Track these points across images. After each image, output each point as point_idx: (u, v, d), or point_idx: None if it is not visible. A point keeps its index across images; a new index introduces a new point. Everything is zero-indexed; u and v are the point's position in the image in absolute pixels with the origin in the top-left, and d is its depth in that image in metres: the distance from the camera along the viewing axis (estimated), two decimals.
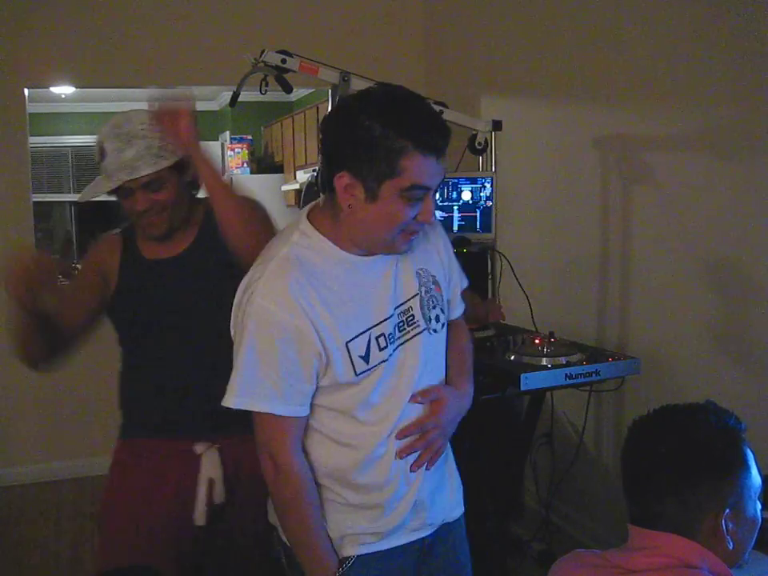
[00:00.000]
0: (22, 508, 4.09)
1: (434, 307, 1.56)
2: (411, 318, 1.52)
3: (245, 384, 1.43)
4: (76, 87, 5.32)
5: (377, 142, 1.33)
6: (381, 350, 1.47)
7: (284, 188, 7.10)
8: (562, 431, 3.38)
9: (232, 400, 1.44)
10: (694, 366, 2.77)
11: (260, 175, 7.33)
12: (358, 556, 1.55)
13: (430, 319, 1.55)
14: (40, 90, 4.94)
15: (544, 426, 3.13)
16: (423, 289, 1.55)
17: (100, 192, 1.84)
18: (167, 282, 1.90)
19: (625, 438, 1.35)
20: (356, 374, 1.46)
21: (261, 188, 7.14)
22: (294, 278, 1.41)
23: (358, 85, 3.32)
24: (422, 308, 1.54)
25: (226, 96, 6.83)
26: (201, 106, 8.58)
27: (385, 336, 1.48)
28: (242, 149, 7.37)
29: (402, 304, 1.52)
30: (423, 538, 1.62)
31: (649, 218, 2.97)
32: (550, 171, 3.57)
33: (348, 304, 1.44)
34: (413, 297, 1.53)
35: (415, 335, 1.53)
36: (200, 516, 1.87)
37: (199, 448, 1.89)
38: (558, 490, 3.18)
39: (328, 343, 1.42)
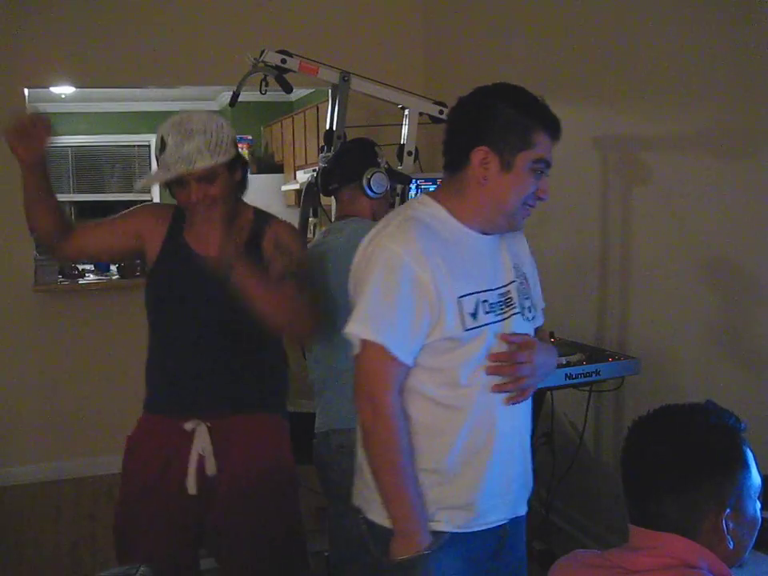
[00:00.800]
0: (22, 508, 4.09)
1: (527, 298, 1.69)
2: (510, 299, 1.65)
3: (367, 315, 1.53)
4: (76, 87, 5.32)
5: (515, 119, 1.55)
6: (486, 313, 1.58)
7: (284, 188, 7.11)
8: (562, 431, 3.38)
9: (354, 327, 1.53)
10: (694, 365, 2.77)
11: (260, 175, 7.33)
12: (450, 533, 1.59)
13: (524, 307, 1.67)
14: (40, 89, 4.94)
15: (544, 426, 3.13)
16: (518, 280, 1.68)
17: (157, 181, 2.01)
18: (205, 276, 1.95)
19: (625, 437, 1.35)
20: (465, 329, 1.54)
21: (261, 188, 7.15)
22: (420, 231, 1.56)
23: (358, 85, 3.33)
24: (518, 294, 1.66)
25: (226, 96, 6.82)
26: (201, 106, 8.56)
27: (489, 303, 1.59)
28: (242, 149, 7.33)
29: (504, 286, 1.65)
30: (504, 525, 1.67)
31: (649, 218, 2.97)
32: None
33: (462, 265, 1.58)
34: (511, 282, 1.67)
35: (512, 315, 1.64)
36: (191, 486, 2.03)
37: (189, 425, 2.04)
38: (558, 490, 3.18)
39: (444, 294, 1.53)
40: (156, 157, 1.99)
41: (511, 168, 1.56)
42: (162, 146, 1.95)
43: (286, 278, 1.99)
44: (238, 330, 2.02)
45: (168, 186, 2.00)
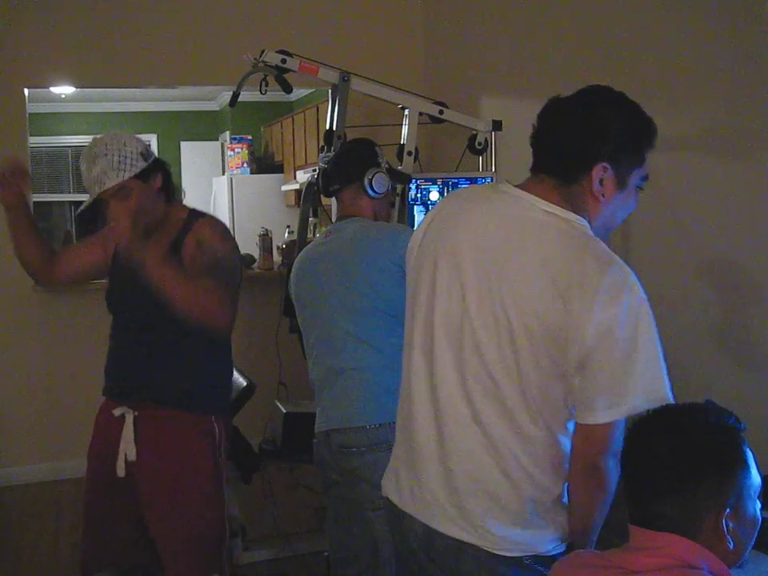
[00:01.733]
0: (22, 508, 4.09)
1: None
2: None
3: (664, 376, 1.39)
4: (76, 87, 5.32)
5: (632, 134, 1.51)
6: None
7: (284, 188, 7.10)
8: None
9: (667, 394, 1.37)
10: (694, 366, 2.77)
11: (260, 175, 7.32)
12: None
13: None
14: (40, 89, 4.94)
15: None
16: None
17: (85, 206, 2.17)
18: (137, 276, 2.10)
19: (625, 438, 1.35)
20: None
21: (261, 188, 7.15)
22: None
23: (358, 85, 3.33)
24: None
25: (226, 96, 6.82)
26: (201, 106, 8.58)
27: None
28: (241, 149, 7.36)
29: None
30: None
31: (649, 218, 2.97)
32: None
33: None
34: None
35: None
36: (120, 469, 2.22)
37: (118, 411, 2.23)
38: None
39: None
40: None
41: (625, 185, 1.51)
42: (81, 173, 2.15)
43: (204, 272, 2.12)
44: (155, 319, 2.19)
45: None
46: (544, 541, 1.48)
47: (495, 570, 1.48)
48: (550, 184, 1.49)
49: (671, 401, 1.36)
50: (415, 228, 1.75)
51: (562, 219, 1.46)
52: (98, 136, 2.18)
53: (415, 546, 1.59)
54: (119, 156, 2.11)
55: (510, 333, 1.41)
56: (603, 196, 1.48)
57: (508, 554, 1.47)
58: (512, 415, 1.43)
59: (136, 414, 2.22)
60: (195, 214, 2.31)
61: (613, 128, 1.48)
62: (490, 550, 1.47)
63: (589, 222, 1.49)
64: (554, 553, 1.49)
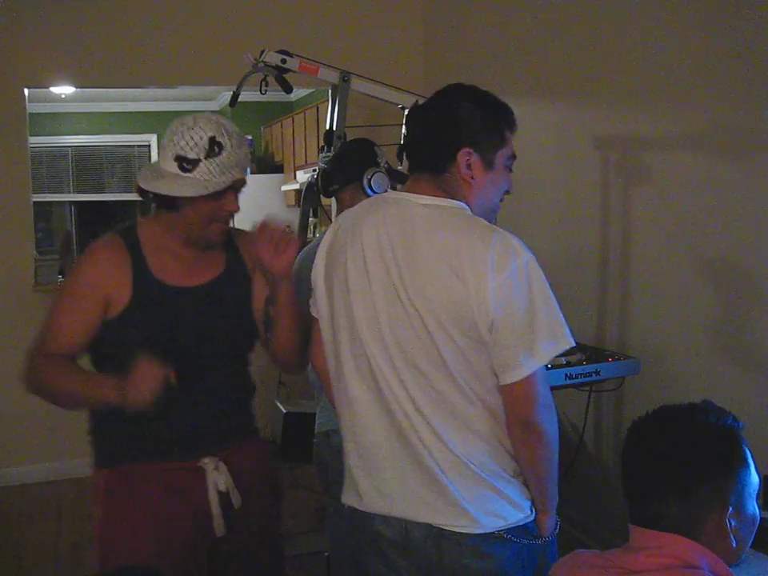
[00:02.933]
0: (22, 508, 4.09)
1: None
2: None
3: (564, 323, 1.52)
4: (76, 87, 5.32)
5: (488, 118, 1.61)
6: None
7: (284, 188, 7.11)
8: (562, 431, 3.37)
9: (568, 337, 1.52)
10: (694, 365, 2.77)
11: (260, 175, 7.33)
12: None
13: None
14: (40, 89, 4.94)
15: None
16: None
17: (219, 188, 1.75)
18: (187, 311, 1.82)
19: (624, 439, 1.35)
20: None
21: (261, 188, 7.14)
22: None
23: (358, 85, 3.33)
24: None
25: (226, 96, 6.82)
26: (201, 106, 8.56)
27: None
28: None
29: None
30: None
31: (649, 218, 2.97)
32: (550, 171, 3.57)
33: None
34: None
35: None
36: (218, 528, 1.84)
37: (205, 462, 1.84)
38: (558, 490, 3.18)
39: None
40: (197, 159, 1.75)
41: (492, 166, 1.61)
42: (217, 147, 1.75)
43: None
44: (227, 353, 1.89)
45: (169, 198, 1.77)
46: (513, 511, 1.57)
47: (477, 550, 1.54)
48: (425, 179, 1.62)
49: (573, 342, 1.53)
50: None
51: (441, 207, 1.57)
52: (203, 112, 1.91)
53: (386, 547, 1.61)
54: (240, 156, 1.80)
55: (422, 321, 1.51)
56: (473, 179, 1.59)
57: (485, 531, 1.53)
58: (445, 398, 1.52)
59: (221, 458, 1.85)
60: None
61: (466, 115, 1.59)
62: (469, 531, 1.53)
63: (468, 206, 1.60)
64: (525, 522, 1.58)
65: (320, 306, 1.70)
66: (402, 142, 3.41)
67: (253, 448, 1.95)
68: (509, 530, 1.55)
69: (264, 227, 1.74)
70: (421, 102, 3.48)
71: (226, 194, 1.77)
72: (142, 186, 1.78)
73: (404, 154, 1.68)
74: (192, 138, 1.76)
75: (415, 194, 1.61)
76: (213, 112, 2.04)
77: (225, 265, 1.89)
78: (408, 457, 1.56)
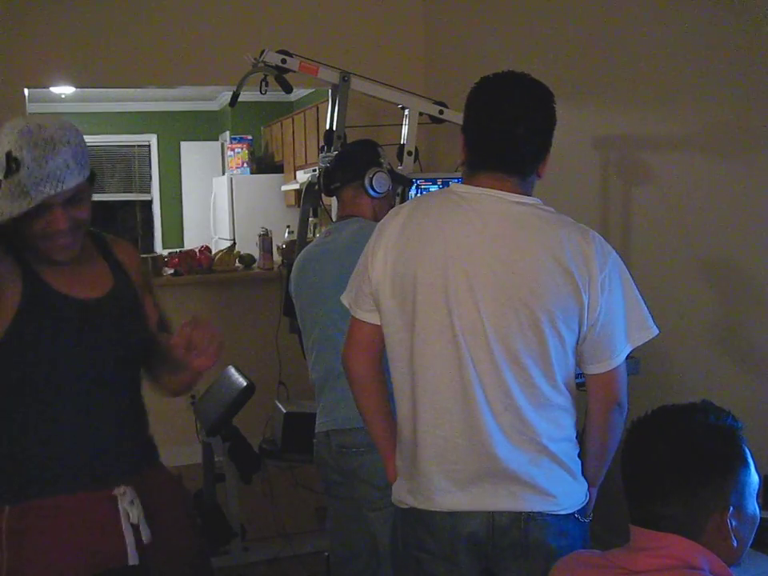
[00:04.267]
0: None
1: None
2: None
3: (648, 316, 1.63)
4: (76, 87, 5.32)
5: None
6: None
7: (284, 188, 7.10)
8: None
9: (654, 327, 1.64)
10: (694, 365, 2.77)
11: (260, 175, 7.32)
12: None
13: None
14: (40, 89, 4.94)
15: None
16: None
17: (15, 213, 1.50)
18: (91, 326, 1.65)
19: (623, 440, 1.35)
20: None
21: (261, 188, 7.15)
22: None
23: (358, 85, 3.33)
24: None
25: (226, 96, 6.82)
26: (201, 106, 8.55)
27: None
28: (242, 149, 7.36)
29: None
30: None
31: (649, 218, 2.97)
32: (550, 171, 3.56)
33: None
34: None
35: None
36: (133, 560, 1.65)
37: (119, 490, 1.66)
38: None
39: None
40: None
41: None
42: (15, 164, 1.50)
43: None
44: (131, 376, 1.75)
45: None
46: (582, 492, 1.67)
47: (559, 529, 1.61)
48: (513, 180, 1.63)
49: (657, 331, 1.63)
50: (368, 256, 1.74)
51: (534, 205, 1.61)
52: (29, 117, 1.59)
53: (469, 543, 1.62)
54: (82, 146, 1.56)
55: (529, 316, 1.53)
56: (540, 177, 1.69)
57: (567, 512, 1.62)
58: (541, 392, 1.59)
59: (131, 487, 1.68)
60: (99, 235, 1.77)
61: (555, 118, 1.66)
62: (555, 512, 1.60)
63: None
64: (586, 502, 1.68)
65: (386, 308, 1.66)
66: (403, 141, 3.41)
67: (162, 478, 1.80)
68: (579, 511, 1.65)
69: (182, 331, 1.55)
70: (421, 101, 3.50)
71: (52, 210, 1.53)
72: None
73: (472, 147, 1.67)
74: None
75: (502, 192, 1.60)
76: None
77: (113, 278, 1.73)
78: (496, 449, 1.58)
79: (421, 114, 3.43)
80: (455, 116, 3.43)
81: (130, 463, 1.71)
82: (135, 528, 1.65)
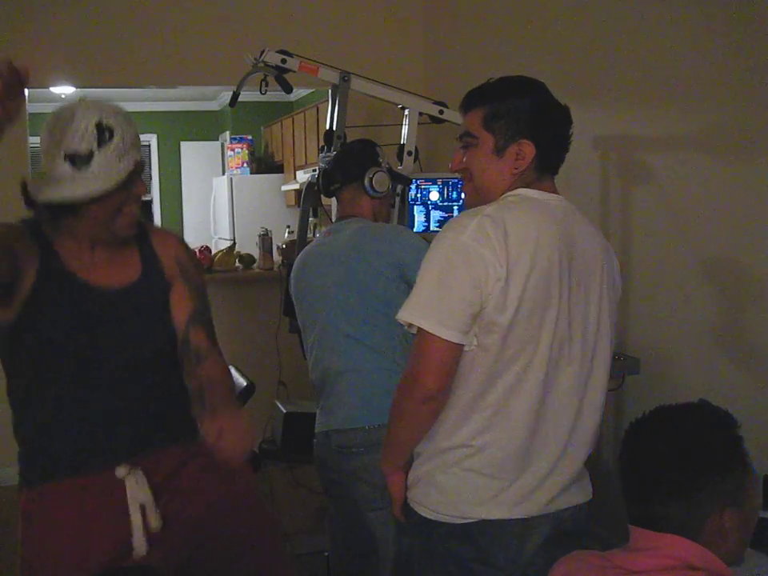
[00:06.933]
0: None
1: None
2: None
3: None
4: (76, 87, 5.32)
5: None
6: None
7: (284, 188, 7.10)
8: None
9: None
10: (694, 365, 2.77)
11: (260, 175, 7.32)
12: None
13: None
14: (40, 89, 4.93)
15: None
16: None
17: (123, 175, 1.54)
18: (113, 317, 1.65)
19: (622, 440, 1.35)
20: None
21: (261, 188, 7.14)
22: None
23: (358, 85, 3.33)
24: None
25: (226, 96, 6.82)
26: (201, 106, 8.54)
27: None
28: (242, 149, 7.36)
29: None
30: None
31: (649, 218, 2.97)
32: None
33: None
34: None
35: None
36: (140, 546, 1.62)
37: (121, 472, 1.64)
38: None
39: None
40: (91, 151, 1.54)
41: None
42: (108, 132, 1.53)
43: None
44: (152, 357, 1.71)
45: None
46: None
47: (589, 516, 1.73)
48: (547, 180, 1.82)
49: None
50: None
51: (570, 204, 1.80)
52: (85, 99, 1.60)
53: (538, 542, 1.60)
54: (133, 135, 1.56)
55: (608, 313, 1.69)
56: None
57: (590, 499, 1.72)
58: (605, 389, 1.70)
59: (140, 467, 1.66)
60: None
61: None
62: (588, 500, 1.71)
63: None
64: None
65: (524, 313, 1.55)
66: (403, 141, 3.41)
67: (202, 460, 1.70)
68: None
69: (207, 435, 1.51)
70: (421, 101, 3.50)
71: (131, 180, 1.57)
72: (41, 199, 1.57)
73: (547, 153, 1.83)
74: (77, 129, 1.54)
75: (557, 195, 1.78)
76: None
77: (141, 268, 1.70)
78: (573, 448, 1.64)
79: (421, 114, 3.43)
80: (455, 116, 3.43)
81: (140, 445, 1.67)
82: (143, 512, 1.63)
